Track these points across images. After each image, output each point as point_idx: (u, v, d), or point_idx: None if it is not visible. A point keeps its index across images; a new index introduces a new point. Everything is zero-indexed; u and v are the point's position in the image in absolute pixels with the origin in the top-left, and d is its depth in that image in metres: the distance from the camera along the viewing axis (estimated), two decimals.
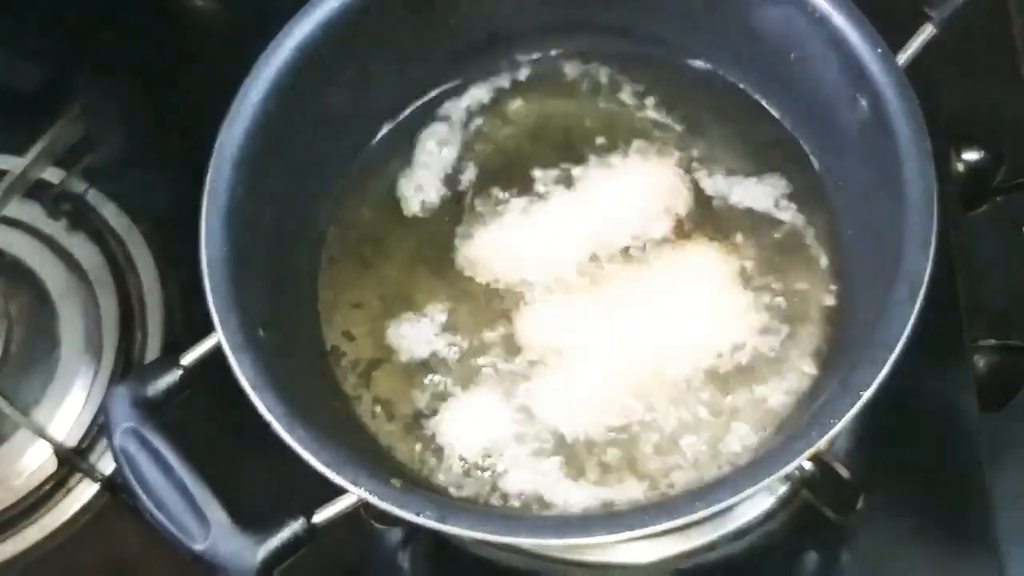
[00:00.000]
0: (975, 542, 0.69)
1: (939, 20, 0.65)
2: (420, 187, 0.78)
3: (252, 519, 0.58)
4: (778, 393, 0.67)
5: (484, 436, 0.68)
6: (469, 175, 0.78)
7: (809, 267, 0.71)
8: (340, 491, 0.57)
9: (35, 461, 0.80)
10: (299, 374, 0.65)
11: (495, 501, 0.67)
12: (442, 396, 0.71)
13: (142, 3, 0.98)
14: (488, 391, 0.70)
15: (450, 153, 0.79)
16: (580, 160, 0.77)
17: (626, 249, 0.73)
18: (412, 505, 0.56)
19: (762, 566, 0.72)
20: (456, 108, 0.80)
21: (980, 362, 0.76)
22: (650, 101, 0.78)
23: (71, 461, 0.80)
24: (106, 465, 0.80)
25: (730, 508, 0.57)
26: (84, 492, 0.80)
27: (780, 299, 0.70)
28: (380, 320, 0.73)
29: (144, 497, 0.58)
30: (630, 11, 0.77)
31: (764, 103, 0.76)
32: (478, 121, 0.79)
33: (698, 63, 0.78)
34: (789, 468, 0.55)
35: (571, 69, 0.80)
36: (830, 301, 0.70)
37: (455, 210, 0.77)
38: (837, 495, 0.68)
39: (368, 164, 0.79)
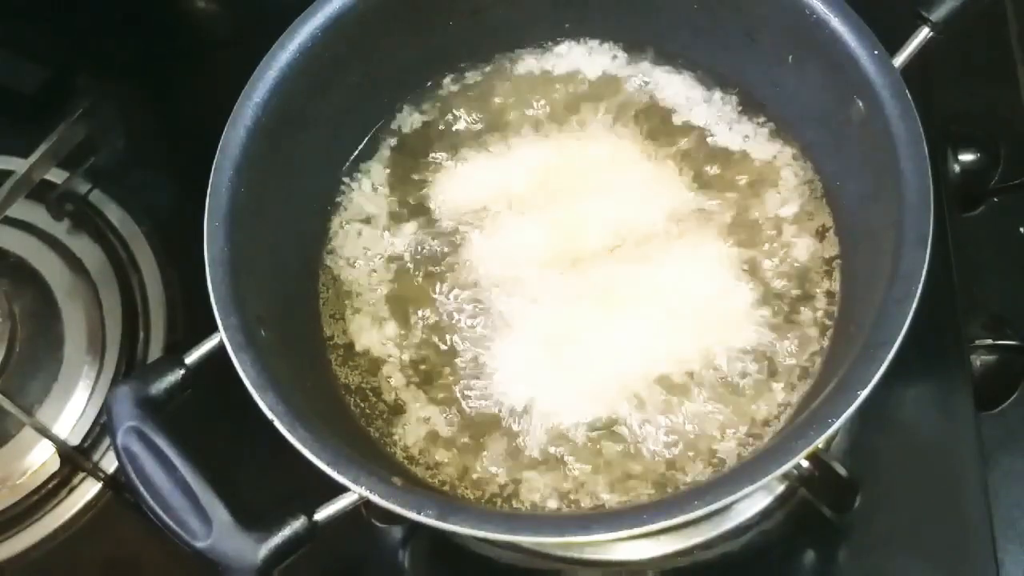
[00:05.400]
0: (971, 541, 0.69)
1: (935, 22, 0.66)
2: (419, 189, 0.78)
3: (254, 517, 0.58)
4: (776, 392, 0.68)
5: None
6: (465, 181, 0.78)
7: (807, 266, 0.71)
8: (341, 489, 0.57)
9: (38, 459, 0.81)
10: (301, 373, 0.66)
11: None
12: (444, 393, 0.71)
13: (145, 5, 0.98)
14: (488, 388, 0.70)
15: (445, 155, 0.79)
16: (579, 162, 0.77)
17: (626, 244, 0.73)
18: (413, 503, 0.57)
19: (760, 564, 0.72)
20: (448, 107, 0.80)
21: (976, 361, 0.76)
22: (649, 101, 0.78)
23: (74, 460, 0.80)
24: (109, 464, 0.80)
25: (728, 506, 0.57)
26: (87, 490, 0.80)
27: (777, 298, 0.70)
28: (381, 319, 0.74)
29: (147, 495, 0.58)
30: (628, 14, 0.77)
31: (762, 103, 0.76)
32: (470, 112, 0.80)
33: (697, 64, 0.78)
34: (787, 467, 0.55)
35: (566, 65, 0.81)
36: (828, 300, 0.70)
37: (453, 210, 0.77)
38: (835, 494, 0.68)
39: (368, 164, 0.79)
